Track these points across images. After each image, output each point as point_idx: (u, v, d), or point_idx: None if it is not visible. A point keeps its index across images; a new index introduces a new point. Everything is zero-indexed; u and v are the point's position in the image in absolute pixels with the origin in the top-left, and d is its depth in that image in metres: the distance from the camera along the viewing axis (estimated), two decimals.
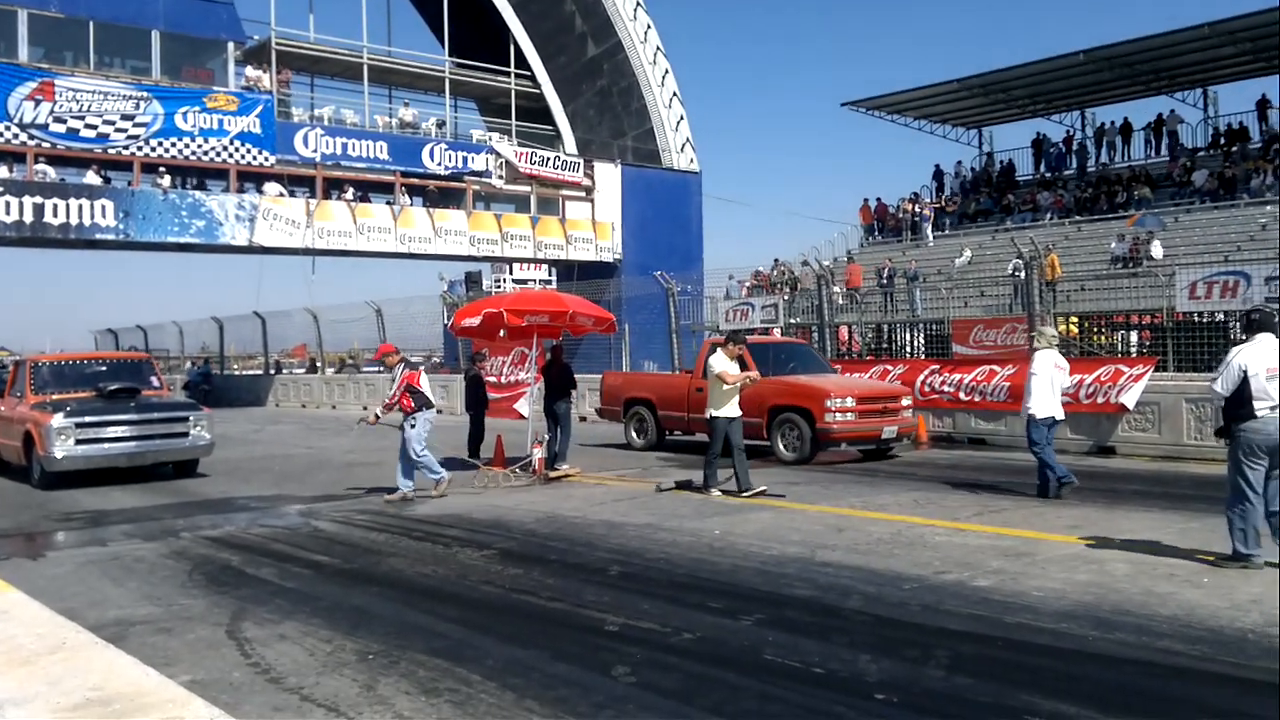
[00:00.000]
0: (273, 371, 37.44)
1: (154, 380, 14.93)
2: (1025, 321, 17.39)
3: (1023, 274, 18.91)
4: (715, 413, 11.32)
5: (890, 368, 17.96)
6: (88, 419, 12.90)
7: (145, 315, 65.40)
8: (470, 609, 6.66)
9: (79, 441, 12.77)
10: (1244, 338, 7.61)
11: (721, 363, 11.36)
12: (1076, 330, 23.17)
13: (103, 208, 28.44)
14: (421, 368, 12.00)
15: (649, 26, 39.54)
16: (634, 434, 16.61)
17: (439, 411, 12.61)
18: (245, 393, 35.38)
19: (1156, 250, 25.14)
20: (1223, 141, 31.95)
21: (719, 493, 11.07)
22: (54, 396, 13.54)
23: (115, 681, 1.67)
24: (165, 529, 9.81)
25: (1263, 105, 31.21)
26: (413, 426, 11.41)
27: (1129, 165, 33.57)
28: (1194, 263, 22.61)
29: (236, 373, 41.15)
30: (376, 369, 33.96)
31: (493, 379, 16.05)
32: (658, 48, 39.69)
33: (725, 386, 11.26)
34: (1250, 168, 28.89)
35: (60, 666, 1.80)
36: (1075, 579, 6.91)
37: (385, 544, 8.99)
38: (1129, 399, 14.16)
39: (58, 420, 12.68)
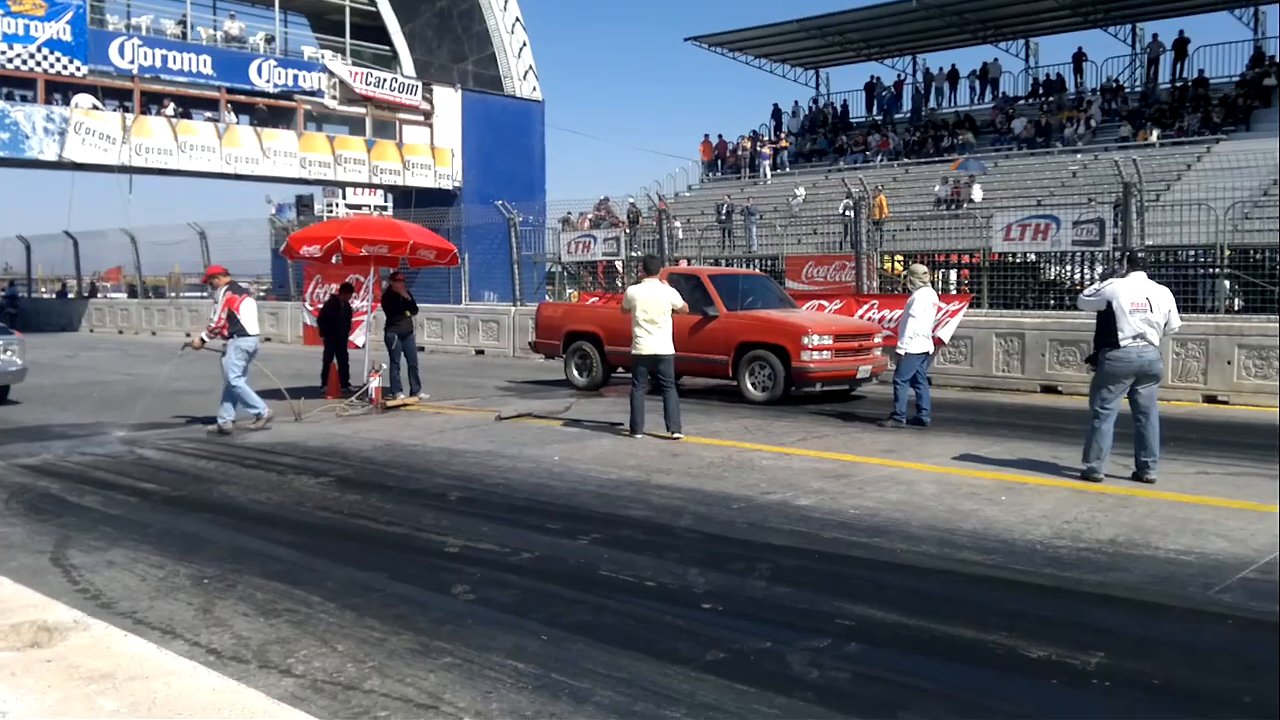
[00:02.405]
0: (86, 295, 35.43)
1: None
2: (853, 259, 18.10)
3: (852, 214, 19.63)
4: (636, 350, 10.46)
5: None
6: None
7: None
8: (307, 534, 6.66)
9: None
10: (1121, 271, 8.21)
11: (644, 292, 10.45)
12: (902, 269, 24.23)
13: None
14: (247, 293, 11.43)
15: None
16: (575, 371, 15.12)
17: (266, 340, 12.23)
18: (57, 317, 33.43)
19: (977, 193, 26.48)
20: (1041, 91, 33.68)
21: (645, 435, 10.30)
22: None
23: None
24: None
25: (1079, 58, 33.02)
26: (224, 354, 11.01)
27: (955, 111, 35.04)
28: (1010, 206, 23.98)
29: (45, 296, 38.73)
30: (201, 294, 32.71)
31: (323, 306, 15.64)
32: None
33: (644, 319, 10.35)
34: (1065, 117, 30.60)
35: None
36: (887, 498, 7.42)
37: (215, 472, 8.81)
38: (945, 333, 14.95)
39: None
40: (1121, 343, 7.81)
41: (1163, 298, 7.94)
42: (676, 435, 10.14)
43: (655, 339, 10.35)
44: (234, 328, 10.98)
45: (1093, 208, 20.66)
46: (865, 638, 4.65)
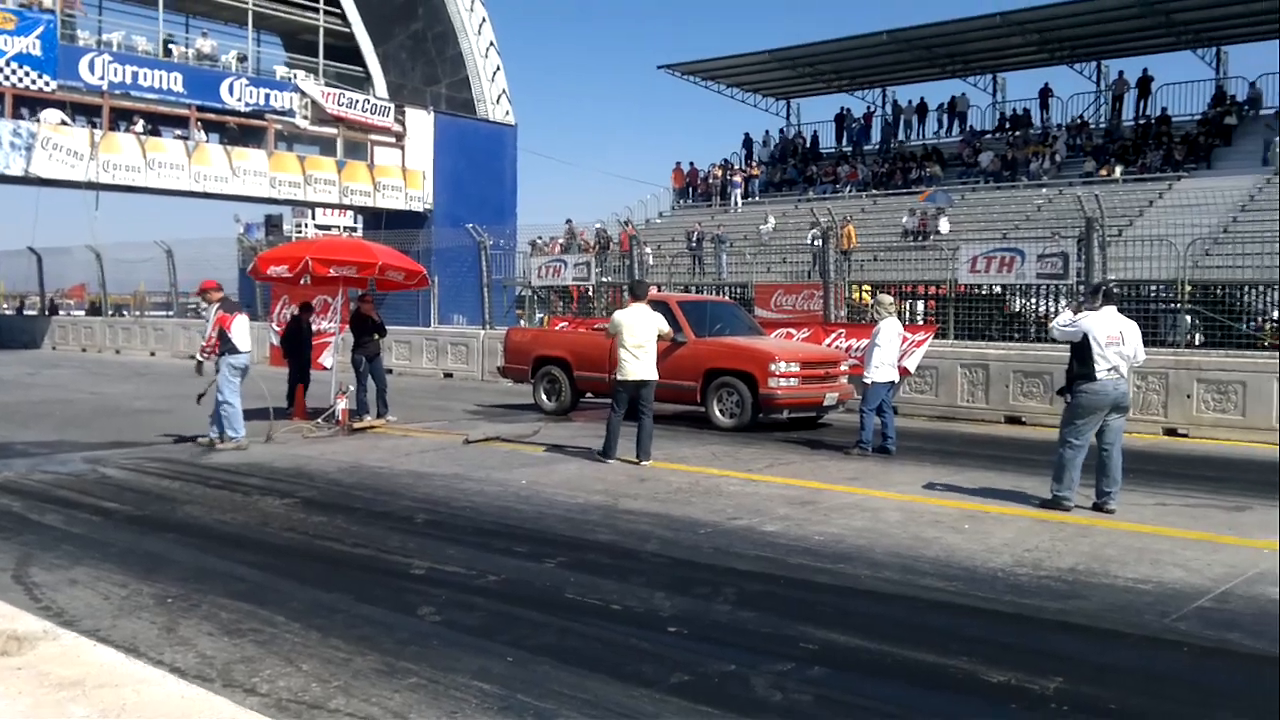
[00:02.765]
0: (48, 313, 35.00)
1: None
2: (821, 288, 18.26)
3: (820, 243, 19.82)
4: (622, 376, 10.35)
5: None
6: None
7: None
8: (272, 555, 6.63)
9: None
10: (1093, 304, 8.25)
11: (631, 317, 10.40)
12: (870, 299, 24.46)
13: None
14: (240, 310, 11.42)
15: None
16: (544, 396, 15.08)
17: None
18: (19, 334, 32.98)
19: (943, 225, 26.84)
20: (1008, 126, 34.22)
21: (616, 460, 10.25)
22: None
23: None
24: None
25: (1045, 94, 33.59)
26: (216, 372, 11.08)
27: (923, 143, 35.52)
28: (976, 238, 24.31)
29: (6, 312, 38.21)
30: (165, 312, 32.44)
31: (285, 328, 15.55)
32: None
33: (632, 344, 10.26)
34: (1031, 152, 31.10)
35: None
36: (852, 525, 7.49)
37: (180, 491, 8.75)
38: (911, 363, 15.12)
39: None
40: (1098, 375, 7.92)
41: (1132, 331, 8.11)
42: (645, 463, 10.11)
43: (642, 364, 10.27)
44: (225, 345, 10.99)
45: (1056, 241, 20.98)
46: (829, 661, 4.70)
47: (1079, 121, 32.34)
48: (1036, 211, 27.06)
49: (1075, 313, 8.48)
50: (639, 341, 10.24)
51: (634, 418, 10.40)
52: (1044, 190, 28.44)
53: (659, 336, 10.53)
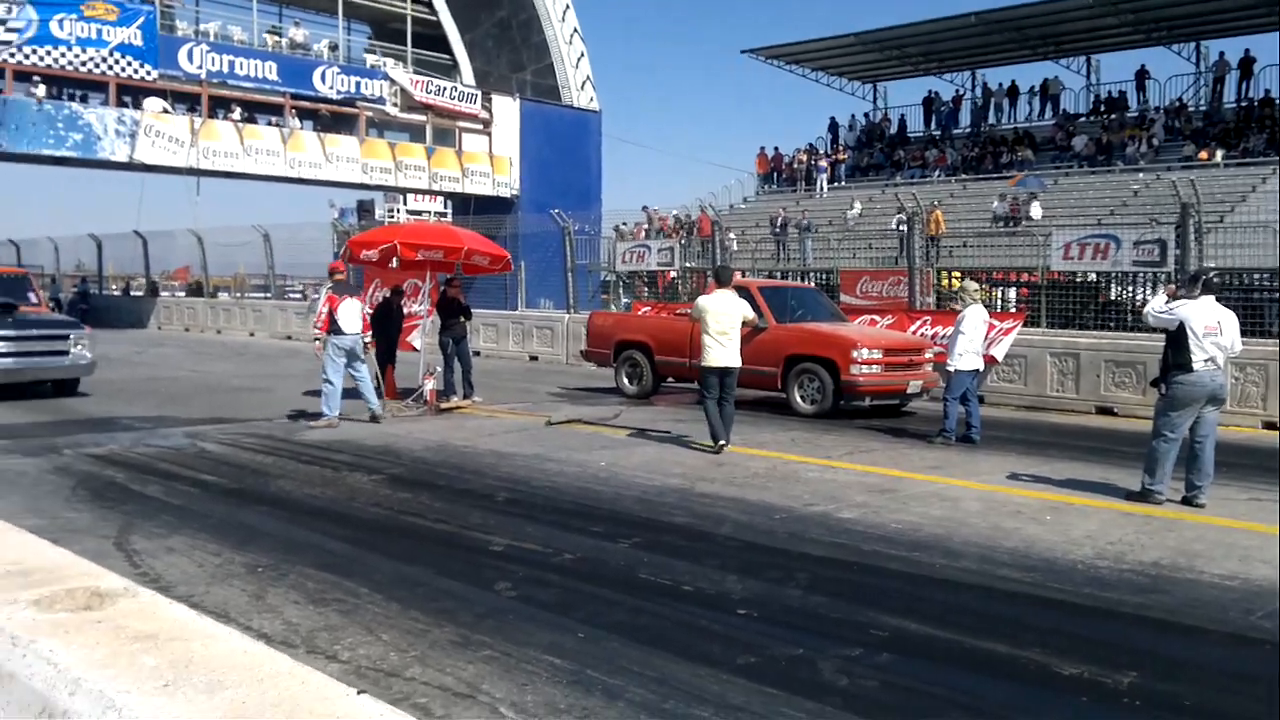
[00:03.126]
0: (148, 293, 36.31)
1: (31, 296, 14.53)
2: (906, 274, 18.04)
3: (905, 229, 19.57)
4: (706, 362, 10.21)
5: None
6: None
7: (18, 230, 62.30)
8: (358, 528, 6.85)
9: None
10: (1191, 293, 8.05)
11: (715, 303, 10.26)
12: (956, 285, 24.07)
13: None
14: (350, 294, 11.89)
15: None
16: (625, 380, 15.19)
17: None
18: (126, 314, 34.28)
19: (1035, 211, 26.23)
20: (1102, 109, 33.27)
21: (722, 445, 10.03)
22: None
23: (32, 558, 1.88)
24: (47, 446, 9.68)
25: (1141, 76, 32.57)
26: (323, 350, 11.58)
27: (1014, 127, 34.72)
28: (1069, 224, 23.70)
29: (116, 293, 39.75)
30: (264, 294, 33.42)
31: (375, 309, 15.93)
32: None
33: (715, 330, 10.12)
34: (1127, 135, 30.20)
35: None
36: (931, 513, 7.44)
37: (273, 466, 9.07)
38: (998, 351, 14.85)
39: None
40: (1194, 366, 7.72)
41: (1230, 321, 7.88)
42: (726, 446, 10.05)
43: (726, 351, 10.12)
44: (332, 325, 11.48)
45: (1153, 228, 20.37)
46: (897, 648, 4.70)
47: (1177, 104, 31.29)
48: (1133, 197, 26.28)
49: (1171, 297, 8.26)
50: (723, 328, 10.12)
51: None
52: (1140, 175, 27.60)
53: (743, 322, 10.41)
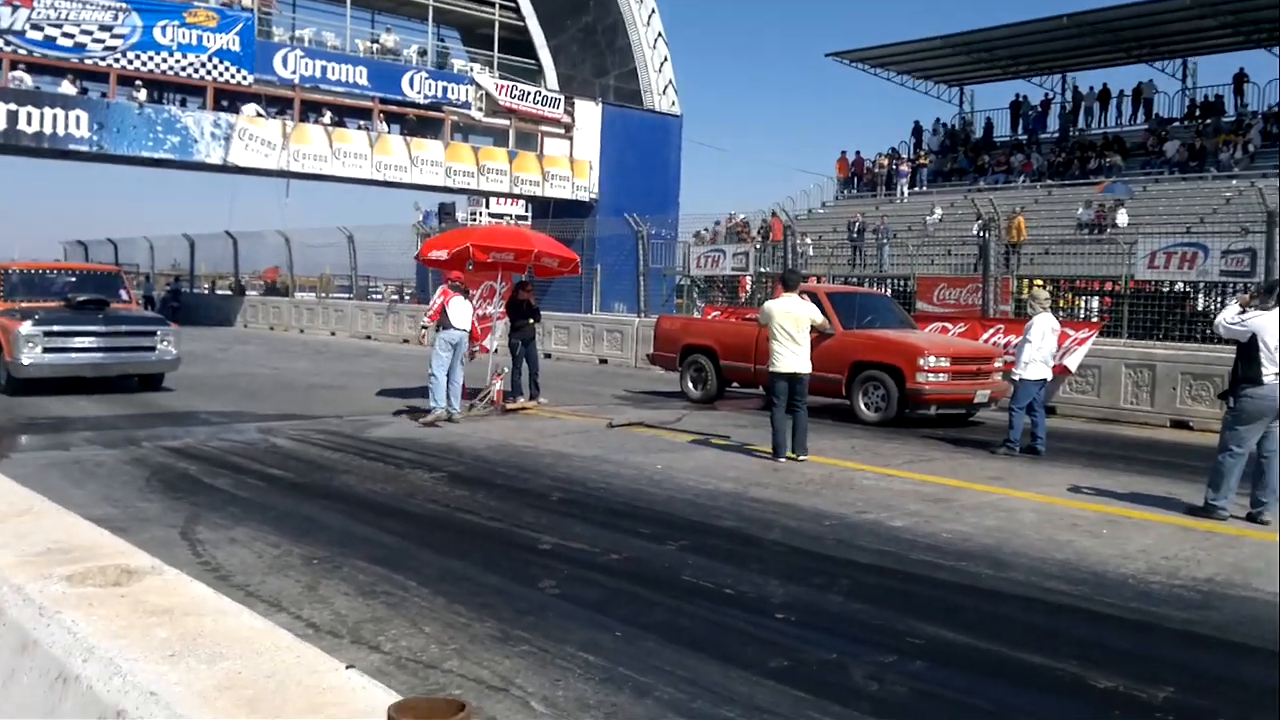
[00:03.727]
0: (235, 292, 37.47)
1: (123, 293, 15.07)
2: (980, 281, 17.78)
3: (983, 234, 19.30)
4: (774, 368, 10.06)
5: None
6: (55, 328, 13.10)
7: (116, 229, 64.75)
8: (413, 524, 7.05)
9: (46, 350, 12.96)
10: (1263, 303, 7.85)
11: (783, 307, 10.11)
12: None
13: (77, 118, 28.16)
14: (469, 294, 12.91)
15: None
16: (690, 384, 15.21)
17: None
18: (215, 312, 35.44)
19: (1122, 218, 25.59)
20: (1197, 113, 32.30)
21: (786, 459, 9.85)
22: (23, 305, 13.61)
23: (74, 538, 2.05)
24: (126, 437, 10.12)
25: (1239, 79, 31.54)
26: (433, 345, 12.28)
27: (1104, 132, 33.90)
28: (1156, 232, 23.08)
29: (206, 291, 41.10)
30: (347, 294, 34.25)
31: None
32: None
33: (783, 335, 9.96)
34: (1221, 141, 29.29)
35: (29, 525, 2.16)
36: (984, 524, 7.37)
37: (339, 462, 9.35)
38: (1072, 362, 14.56)
39: (26, 328, 12.82)
40: (1265, 379, 7.53)
41: None
42: (803, 458, 9.87)
43: (795, 356, 9.96)
44: (442, 318, 12.24)
45: (1244, 237, 19.77)
46: (932, 656, 4.70)
47: (1277, 109, 30.20)
48: (1225, 204, 25.47)
49: (1244, 307, 8.05)
50: (790, 333, 9.97)
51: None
52: (1234, 182, 26.73)
53: (812, 328, 10.22)
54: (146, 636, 1.74)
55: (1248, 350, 7.65)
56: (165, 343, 14.01)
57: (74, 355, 13.30)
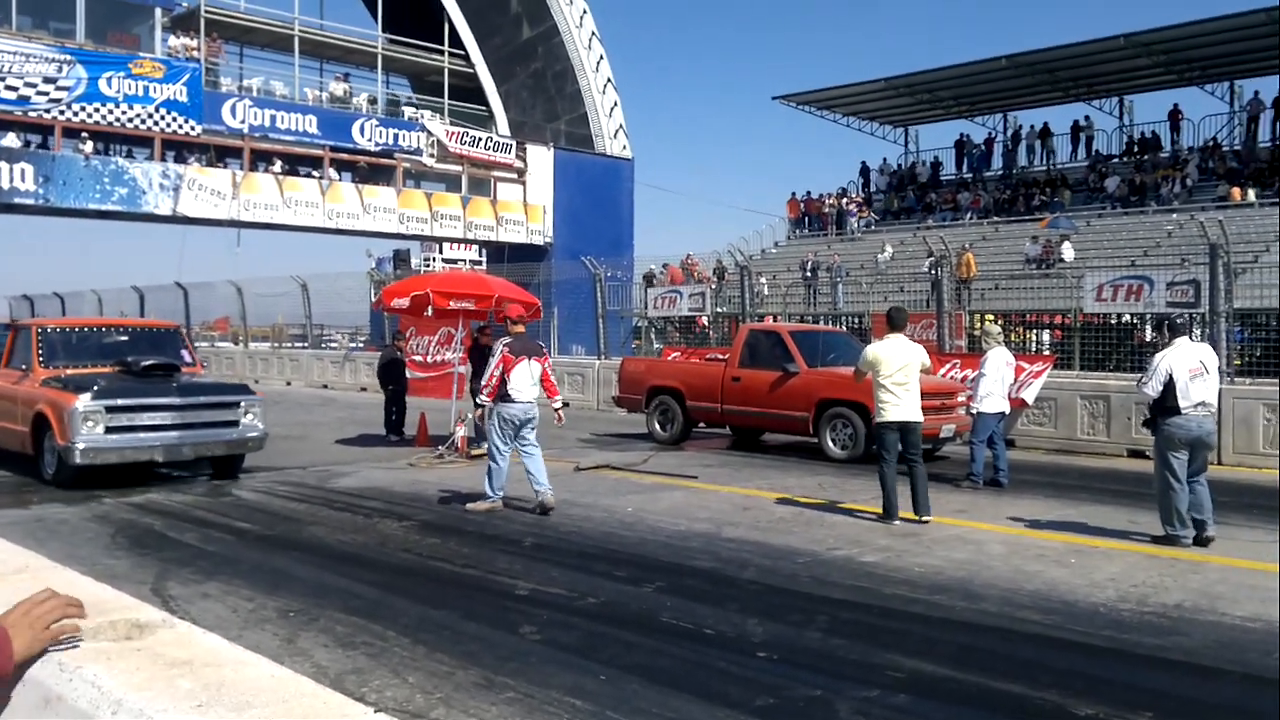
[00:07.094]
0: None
1: (185, 354, 12.19)
2: (935, 318, 18.08)
3: (934, 272, 19.64)
4: (882, 419, 9.00)
5: None
6: (120, 401, 10.30)
7: (63, 283, 63.76)
8: (387, 573, 7.00)
9: (110, 429, 10.16)
10: (1165, 341, 8.33)
11: (889, 351, 8.96)
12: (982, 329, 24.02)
13: (22, 171, 27.86)
14: (532, 354, 9.58)
15: (585, 11, 39.69)
16: (658, 425, 15.20)
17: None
18: None
19: (1068, 252, 26.17)
20: (1135, 149, 33.23)
21: (899, 521, 8.75)
22: (71, 371, 10.96)
23: (77, 594, 2.06)
24: (86, 495, 9.91)
25: (1175, 116, 32.51)
26: (486, 419, 9.60)
27: (1047, 169, 34.74)
28: (1102, 265, 23.63)
29: None
30: (301, 344, 33.96)
31: (418, 357, 16.32)
32: (593, 33, 39.87)
33: (891, 381, 8.84)
34: (1160, 176, 30.13)
35: (28, 582, 2.14)
36: (954, 557, 7.47)
37: (306, 513, 9.26)
38: (1029, 395, 14.87)
39: (83, 402, 10.01)
40: (1183, 410, 7.87)
41: (1209, 356, 8.12)
42: (926, 519, 8.75)
43: (905, 405, 8.87)
44: (501, 391, 9.36)
45: (1187, 269, 20.28)
46: (914, 689, 4.76)
47: (1211, 144, 31.17)
48: (1167, 238, 26.17)
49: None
50: (900, 379, 8.84)
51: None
52: (1174, 215, 27.49)
53: (922, 370, 9.18)
54: (171, 687, 1.75)
55: (1165, 386, 7.94)
56: (250, 415, 11.19)
57: (143, 435, 10.42)
